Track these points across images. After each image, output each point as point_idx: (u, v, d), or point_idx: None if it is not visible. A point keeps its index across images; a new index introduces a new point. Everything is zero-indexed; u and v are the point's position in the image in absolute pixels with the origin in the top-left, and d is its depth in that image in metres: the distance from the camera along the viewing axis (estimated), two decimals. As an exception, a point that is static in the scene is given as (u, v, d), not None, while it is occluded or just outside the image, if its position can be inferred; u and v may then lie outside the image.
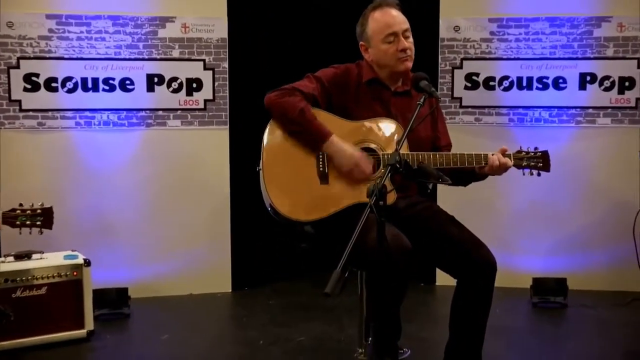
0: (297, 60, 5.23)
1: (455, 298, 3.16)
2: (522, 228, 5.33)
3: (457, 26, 5.26)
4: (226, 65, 5.16)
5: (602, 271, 5.26)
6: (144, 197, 5.15)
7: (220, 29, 5.13)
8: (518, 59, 5.24)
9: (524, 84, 5.24)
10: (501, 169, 3.16)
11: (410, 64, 3.29)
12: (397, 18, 3.28)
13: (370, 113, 3.25)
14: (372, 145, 3.19)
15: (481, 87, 5.28)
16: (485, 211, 5.28)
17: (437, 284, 5.40)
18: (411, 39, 3.29)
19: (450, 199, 4.62)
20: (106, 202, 5.07)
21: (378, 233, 2.54)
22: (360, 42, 3.36)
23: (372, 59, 3.32)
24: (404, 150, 3.09)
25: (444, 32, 5.27)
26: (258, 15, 5.39)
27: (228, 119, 5.20)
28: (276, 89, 3.23)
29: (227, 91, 5.18)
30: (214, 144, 5.19)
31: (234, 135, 5.23)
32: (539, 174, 3.24)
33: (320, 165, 3.14)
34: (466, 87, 5.30)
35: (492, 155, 3.15)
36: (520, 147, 3.26)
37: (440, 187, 4.92)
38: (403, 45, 3.25)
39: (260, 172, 3.15)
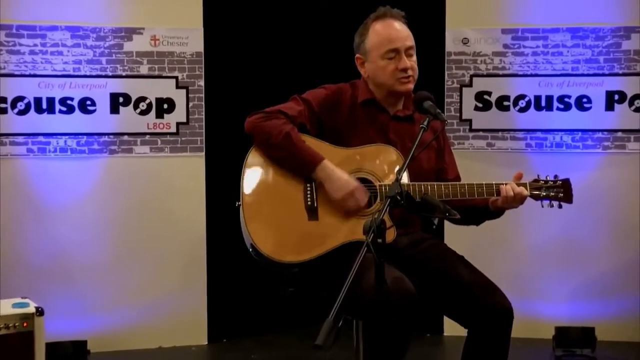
0: (285, 78, 5.24)
1: (466, 350, 3.15)
2: (542, 269, 5.32)
3: (465, 38, 5.29)
4: (202, 83, 5.18)
5: (636, 319, 5.24)
6: (107, 236, 5.13)
7: (195, 42, 5.15)
8: (536, 75, 5.26)
9: (543, 103, 5.26)
10: (517, 201, 3.17)
11: (411, 86, 3.30)
12: (401, 33, 3.29)
13: (366, 139, 3.26)
14: (368, 176, 3.20)
15: (494, 107, 5.30)
16: (500, 250, 5.27)
17: (445, 334, 5.38)
18: (415, 59, 3.30)
19: (459, 235, 4.61)
20: (62, 241, 5.04)
21: (376, 275, 2.53)
22: (357, 55, 3.38)
23: (369, 75, 3.33)
24: (404, 180, 3.09)
25: (450, 45, 5.30)
26: (239, 27, 5.41)
27: (204, 145, 5.20)
28: (257, 111, 3.24)
29: (203, 113, 5.18)
30: (188, 173, 5.19)
31: (211, 163, 5.23)
32: (560, 206, 3.24)
33: (309, 199, 3.15)
34: (476, 108, 5.32)
35: (505, 185, 3.16)
36: (538, 176, 3.27)
37: (448, 223, 4.92)
38: (404, 64, 3.25)
39: (240, 207, 3.15)
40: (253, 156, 3.21)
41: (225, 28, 5.33)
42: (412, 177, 3.15)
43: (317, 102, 3.30)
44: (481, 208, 3.26)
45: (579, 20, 5.22)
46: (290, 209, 3.14)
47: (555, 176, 3.27)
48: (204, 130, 5.20)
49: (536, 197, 3.23)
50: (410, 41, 3.30)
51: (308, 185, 3.16)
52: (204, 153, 5.21)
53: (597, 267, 5.29)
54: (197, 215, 5.23)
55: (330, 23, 5.42)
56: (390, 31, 3.29)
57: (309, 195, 3.16)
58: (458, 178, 3.46)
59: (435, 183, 3.17)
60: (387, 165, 3.22)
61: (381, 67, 3.28)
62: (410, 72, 3.27)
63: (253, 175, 3.19)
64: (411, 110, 3.32)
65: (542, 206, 3.25)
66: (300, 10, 5.53)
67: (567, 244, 5.30)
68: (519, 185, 3.18)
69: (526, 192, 3.18)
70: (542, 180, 3.26)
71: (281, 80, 5.17)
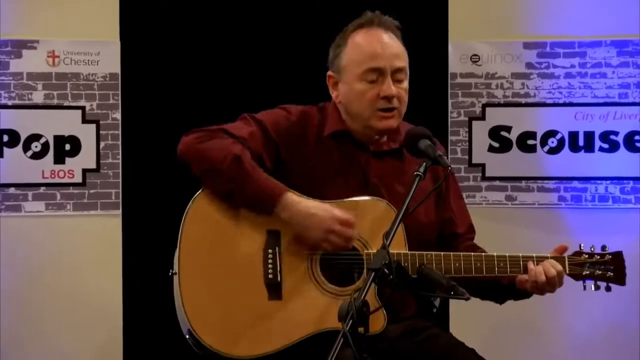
0: (231, 108, 5.22)
1: None
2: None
3: (475, 55, 5.33)
4: (118, 115, 5.18)
5: None
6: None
7: (109, 60, 5.17)
8: (570, 104, 5.30)
9: (581, 142, 5.30)
10: (551, 285, 3.16)
11: (394, 123, 3.28)
12: (388, 48, 3.28)
13: (340, 185, 3.27)
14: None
15: (514, 147, 5.34)
16: (525, 340, 5.27)
17: None
18: (405, 86, 3.29)
19: (468, 321, 4.62)
20: None
21: (357, 378, 2.53)
22: (329, 72, 3.39)
23: (341, 100, 3.34)
24: (397, 248, 3.10)
25: (455, 63, 5.34)
26: (169, 40, 5.40)
27: (121, 200, 5.20)
28: (195, 130, 3.24)
29: (120, 156, 5.18)
30: (98, 237, 5.19)
31: (131, 224, 5.22)
32: (608, 288, 3.24)
33: (270, 271, 3.14)
34: (491, 149, 5.35)
35: (536, 263, 3.16)
36: (580, 247, 3.26)
37: (454, 305, 4.93)
38: (388, 91, 3.23)
39: (175, 277, 3.13)
40: (198, 204, 3.19)
41: (149, 42, 5.34)
42: (409, 236, 3.16)
43: (275, 126, 3.29)
44: (505, 285, 3.26)
45: (627, 30, 5.27)
46: (245, 283, 3.13)
47: (603, 247, 3.25)
48: (120, 180, 5.19)
49: (577, 277, 3.22)
50: (400, 61, 3.28)
51: (270, 251, 3.15)
52: (120, 211, 5.20)
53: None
54: (112, 291, 5.20)
55: (295, 32, 5.39)
56: (374, 45, 3.28)
57: (270, 266, 3.14)
58: (471, 231, 3.46)
59: (442, 253, 3.15)
60: (375, 224, 3.21)
61: (358, 92, 3.26)
62: (395, 103, 3.25)
63: (196, 233, 3.17)
64: (397, 143, 3.31)
65: (585, 288, 3.24)
66: (254, 18, 5.53)
67: (617, 334, 5.31)
68: (555, 259, 3.17)
69: (561, 269, 3.16)
70: (586, 254, 3.24)
71: (224, 112, 5.16)
